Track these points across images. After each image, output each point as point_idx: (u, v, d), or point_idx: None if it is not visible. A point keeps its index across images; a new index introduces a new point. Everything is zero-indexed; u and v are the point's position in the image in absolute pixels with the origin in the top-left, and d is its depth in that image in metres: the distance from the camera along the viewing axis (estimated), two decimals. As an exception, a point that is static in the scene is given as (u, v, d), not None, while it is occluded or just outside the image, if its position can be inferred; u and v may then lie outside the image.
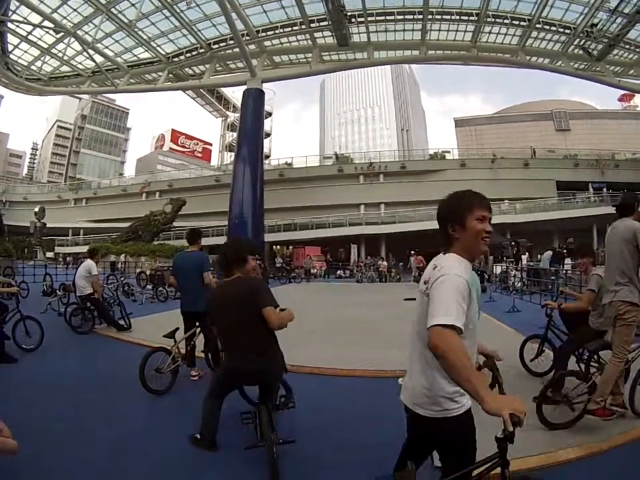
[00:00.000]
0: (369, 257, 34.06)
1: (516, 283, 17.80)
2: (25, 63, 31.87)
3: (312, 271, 30.09)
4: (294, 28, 30.05)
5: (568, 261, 17.20)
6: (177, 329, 5.42)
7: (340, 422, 4.14)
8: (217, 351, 5.73)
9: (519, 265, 21.27)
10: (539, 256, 24.47)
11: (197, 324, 5.74)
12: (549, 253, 18.74)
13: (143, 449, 3.62)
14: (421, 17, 28.24)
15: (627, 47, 30.84)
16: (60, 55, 31.01)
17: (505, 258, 24.95)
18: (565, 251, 19.96)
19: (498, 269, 21.85)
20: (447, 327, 1.66)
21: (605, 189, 39.82)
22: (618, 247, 4.08)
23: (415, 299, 6.24)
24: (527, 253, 25.39)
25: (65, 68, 33.55)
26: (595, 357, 4.83)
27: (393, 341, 7.95)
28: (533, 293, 15.05)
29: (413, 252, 27.68)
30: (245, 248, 3.49)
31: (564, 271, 16.19)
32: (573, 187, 39.89)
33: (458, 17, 28.64)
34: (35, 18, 26.44)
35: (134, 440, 3.81)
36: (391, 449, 3.51)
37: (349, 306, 13.01)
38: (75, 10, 26.99)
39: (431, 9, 27.49)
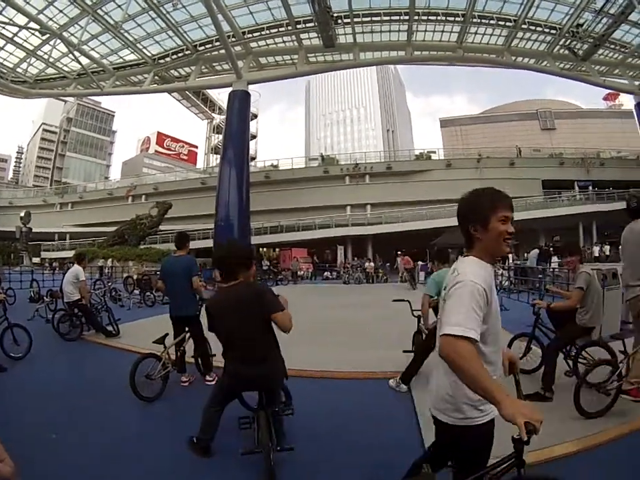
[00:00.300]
0: (355, 259, 34.13)
1: (503, 282, 17.93)
2: (11, 65, 31.34)
3: (299, 273, 30.10)
4: (280, 29, 29.96)
5: (555, 259, 17.37)
6: (167, 334, 5.37)
7: (335, 426, 4.14)
8: (207, 356, 5.73)
9: (506, 264, 21.41)
10: (525, 254, 24.63)
11: (187, 329, 5.69)
12: (536, 251, 18.90)
13: (136, 455, 3.61)
14: (407, 17, 28.30)
15: (612, 46, 31.26)
16: (46, 57, 30.60)
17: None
18: (551, 249, 20.15)
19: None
20: (457, 337, 1.65)
21: (590, 187, 40.27)
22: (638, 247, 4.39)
23: (404, 300, 6.27)
24: (512, 252, 25.53)
25: (50, 70, 33.11)
26: (583, 353, 4.95)
27: (381, 342, 8.05)
28: (520, 292, 15.15)
29: (399, 252, 27.84)
30: (249, 252, 3.48)
31: (551, 269, 16.33)
32: (558, 186, 40.33)
33: (444, 18, 28.75)
34: (21, 19, 26.07)
35: (127, 446, 3.79)
36: (386, 452, 3.57)
37: (336, 307, 13.04)
38: (61, 11, 26.65)
39: (417, 10, 27.52)
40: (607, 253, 30.09)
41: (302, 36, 30.68)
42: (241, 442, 3.31)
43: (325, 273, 32.61)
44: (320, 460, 3.46)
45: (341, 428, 4.09)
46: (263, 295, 3.18)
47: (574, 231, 36.56)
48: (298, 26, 29.22)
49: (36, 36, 28.02)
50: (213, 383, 5.46)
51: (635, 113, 36.59)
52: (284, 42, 31.93)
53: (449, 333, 1.67)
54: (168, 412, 4.69)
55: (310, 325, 9.52)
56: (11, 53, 30.38)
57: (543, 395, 4.62)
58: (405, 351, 6.06)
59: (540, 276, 15.30)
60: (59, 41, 28.08)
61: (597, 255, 29.68)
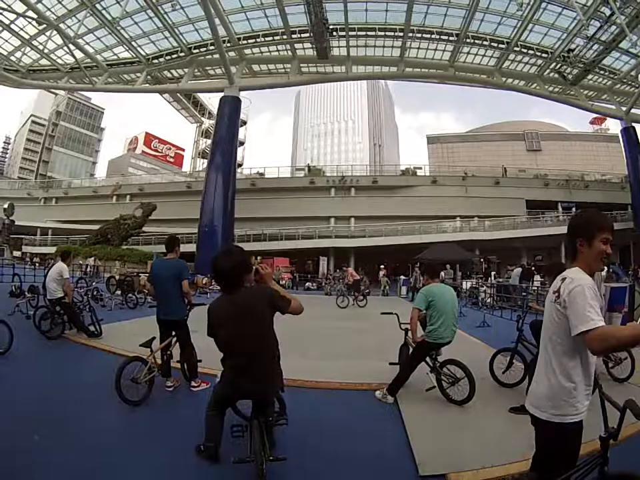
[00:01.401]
0: (338, 270, 34.10)
1: (486, 299, 18.10)
2: (5, 53, 31.06)
3: (281, 282, 30.03)
4: (275, 38, 30.22)
5: (537, 277, 17.59)
6: (154, 338, 5.29)
7: (324, 436, 4.15)
8: (193, 361, 5.69)
9: (489, 281, 21.62)
10: (507, 272, 24.90)
11: (173, 333, 5.64)
12: (519, 269, 19.13)
13: (122, 460, 3.57)
14: (401, 34, 28.76)
15: (602, 72, 32.05)
16: (40, 47, 30.43)
17: (475, 274, 25.34)
18: (533, 268, 20.41)
19: (467, 285, 22.15)
20: (595, 329, 1.90)
21: (574, 209, 40.84)
22: None
23: (392, 313, 6.31)
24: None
25: (44, 61, 32.88)
26: None
27: (366, 353, 8.07)
28: (502, 309, 15.31)
29: (382, 266, 27.92)
30: (247, 255, 3.40)
31: (534, 288, 16.52)
32: (542, 206, 40.83)
33: (438, 36, 29.26)
34: (19, 7, 25.80)
35: (111, 451, 3.73)
36: (375, 463, 3.62)
37: (318, 318, 13.04)
38: (59, 2, 26.58)
39: (412, 27, 28.01)
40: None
41: (296, 46, 31.01)
42: (232, 450, 3.28)
43: (307, 284, 32.51)
44: (310, 471, 3.47)
45: (330, 438, 4.10)
46: (271, 295, 3.17)
47: (556, 250, 37.02)
48: (293, 35, 29.51)
49: (33, 25, 27.92)
50: (198, 388, 5.48)
51: (621, 138, 37.37)
52: (278, 51, 32.18)
53: (590, 327, 1.91)
54: (153, 416, 4.64)
55: (295, 335, 9.53)
56: (6, 40, 30.07)
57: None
58: (391, 363, 6.09)
59: (523, 294, 15.48)
60: (55, 32, 27.90)
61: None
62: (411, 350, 5.68)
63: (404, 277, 26.01)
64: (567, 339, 2.07)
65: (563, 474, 2.04)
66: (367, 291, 27.28)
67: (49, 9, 26.82)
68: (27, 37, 29.49)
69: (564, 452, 2.12)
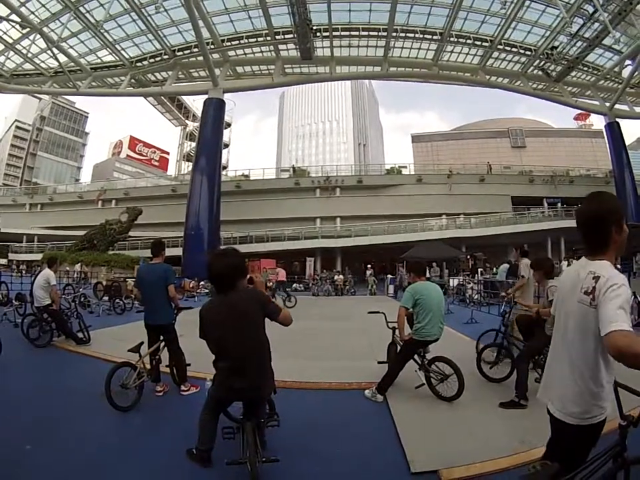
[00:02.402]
0: (324, 271, 34.08)
1: (473, 295, 18.21)
2: (-12, 58, 30.85)
3: (268, 284, 29.87)
4: (259, 39, 30.18)
5: (525, 261, 17.68)
6: (142, 343, 5.29)
7: (314, 437, 4.18)
8: (182, 365, 5.66)
9: (476, 278, 21.72)
10: (494, 269, 25.02)
11: (161, 337, 5.63)
12: (505, 265, 19.17)
13: (113, 466, 3.57)
14: (385, 33, 28.87)
15: (585, 69, 32.45)
16: (24, 51, 30.11)
17: (462, 271, 25.46)
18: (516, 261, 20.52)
19: (455, 282, 22.24)
20: (625, 331, 1.72)
21: (559, 204, 41.22)
22: None
23: (379, 312, 6.35)
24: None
25: (27, 66, 32.54)
26: None
27: (354, 353, 8.11)
28: (490, 305, 15.40)
29: (369, 266, 28.01)
30: (243, 257, 3.41)
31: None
32: (527, 202, 41.23)
33: (422, 36, 29.45)
34: (3, 10, 25.46)
35: (102, 457, 3.73)
36: (367, 462, 3.65)
37: (308, 318, 13.05)
38: (43, 5, 26.35)
39: (395, 26, 28.14)
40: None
41: (280, 47, 31.01)
42: (223, 452, 3.31)
43: (294, 285, 32.48)
44: (303, 471, 3.48)
45: (321, 438, 4.12)
46: (264, 300, 3.20)
47: (542, 246, 37.32)
48: (277, 37, 29.53)
49: (16, 29, 27.56)
50: (188, 392, 5.47)
51: (605, 133, 37.80)
52: (262, 52, 32.12)
53: (621, 328, 1.74)
54: (143, 422, 4.63)
55: (284, 336, 9.53)
56: (-11, 45, 29.71)
57: (518, 402, 4.83)
58: (379, 362, 6.13)
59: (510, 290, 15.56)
60: (38, 36, 27.71)
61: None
62: (398, 348, 5.71)
63: (391, 276, 26.09)
64: (599, 344, 1.93)
65: (581, 464, 2.04)
66: (353, 290, 27.55)
67: (32, 12, 26.60)
68: (10, 40, 29.13)
69: (587, 447, 2.09)
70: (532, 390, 4.93)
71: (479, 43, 30.13)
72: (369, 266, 27.96)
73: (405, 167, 48.85)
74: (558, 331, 2.36)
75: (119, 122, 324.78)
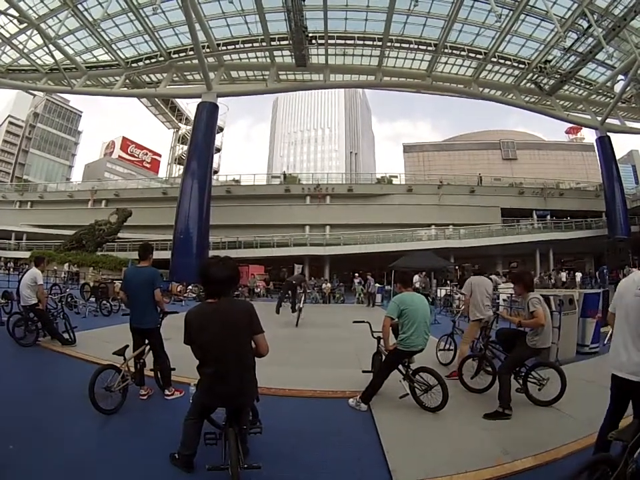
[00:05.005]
0: (312, 278, 34.01)
1: (460, 306, 18.23)
2: (-16, 52, 30.60)
3: (256, 290, 29.77)
4: (254, 44, 30.17)
5: (503, 285, 17.78)
6: (127, 346, 5.26)
7: (297, 444, 4.17)
8: (166, 369, 5.64)
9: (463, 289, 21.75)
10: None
11: (146, 341, 5.61)
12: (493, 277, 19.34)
13: (94, 469, 3.55)
14: (380, 43, 29.01)
15: (578, 83, 32.77)
16: (20, 47, 29.85)
17: (449, 281, 25.53)
18: (505, 276, 20.64)
19: (442, 292, 22.28)
20: None
21: (548, 217, 41.56)
22: None
23: (364, 322, 6.39)
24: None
25: (23, 61, 32.29)
26: (533, 372, 5.27)
27: (340, 361, 8.10)
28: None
29: (357, 274, 28.04)
30: (237, 268, 3.42)
31: (507, 295, 16.68)
32: (517, 214, 41.54)
33: (416, 46, 29.57)
34: (1, 4, 25.31)
35: (84, 459, 3.71)
36: (349, 471, 3.65)
37: (292, 326, 13.04)
38: (41, 1, 26.31)
39: (390, 36, 28.30)
40: (564, 279, 31.06)
41: (275, 53, 31.09)
42: (206, 457, 3.30)
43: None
44: (285, 479, 3.49)
45: (304, 446, 4.13)
46: (253, 314, 3.21)
47: (531, 257, 37.60)
48: (272, 43, 29.57)
49: (14, 24, 27.43)
50: (172, 397, 5.46)
51: (596, 147, 38.08)
52: (257, 57, 32.21)
53: None
54: (126, 425, 4.60)
55: (269, 343, 9.51)
56: (-15, 39, 29.48)
57: (502, 412, 4.86)
58: (364, 371, 6.13)
59: (497, 301, 15.64)
60: (35, 31, 27.58)
61: (564, 280, 30.86)
62: (383, 358, 5.74)
63: (379, 285, 26.08)
64: None
65: None
66: (342, 298, 27.56)
67: (30, 8, 26.49)
68: (7, 35, 28.91)
69: None
70: (515, 400, 4.99)
71: (473, 55, 30.30)
72: (357, 274, 27.98)
73: (396, 177, 48.93)
74: (620, 318, 3.21)
75: (112, 122, 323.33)
